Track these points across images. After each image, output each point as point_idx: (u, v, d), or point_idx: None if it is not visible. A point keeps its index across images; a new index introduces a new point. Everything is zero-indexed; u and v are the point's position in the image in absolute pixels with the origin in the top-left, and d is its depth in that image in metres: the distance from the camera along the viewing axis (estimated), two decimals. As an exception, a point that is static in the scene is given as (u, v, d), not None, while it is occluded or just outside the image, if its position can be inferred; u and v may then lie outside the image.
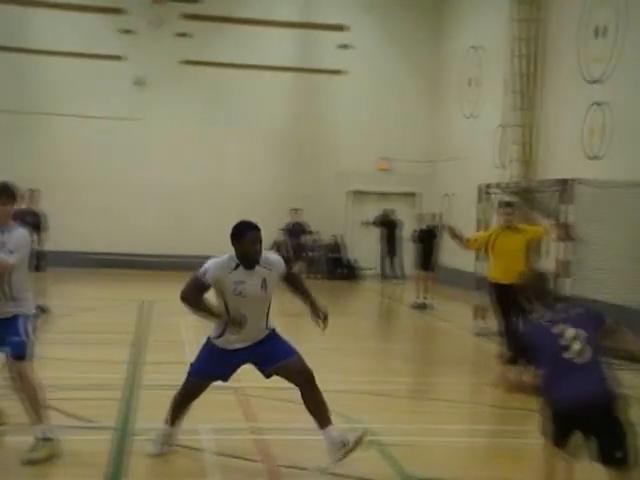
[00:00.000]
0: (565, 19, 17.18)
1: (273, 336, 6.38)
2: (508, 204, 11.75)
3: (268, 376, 6.42)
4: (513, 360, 5.43)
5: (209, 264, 6.17)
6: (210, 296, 6.33)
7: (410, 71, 24.67)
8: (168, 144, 23.51)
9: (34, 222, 13.39)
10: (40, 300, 12.57)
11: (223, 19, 23.62)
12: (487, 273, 11.71)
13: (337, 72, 24.18)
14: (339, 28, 24.16)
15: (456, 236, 11.62)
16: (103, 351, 11.00)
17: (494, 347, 11.13)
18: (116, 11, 23.04)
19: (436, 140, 24.37)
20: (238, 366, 6.41)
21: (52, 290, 15.01)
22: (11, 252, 6.18)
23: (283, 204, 22.80)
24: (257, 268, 6.19)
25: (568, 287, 12.03)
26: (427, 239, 17.65)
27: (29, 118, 22.84)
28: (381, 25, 24.49)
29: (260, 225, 6.27)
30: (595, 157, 15.59)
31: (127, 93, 23.37)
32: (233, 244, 6.18)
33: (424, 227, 17.95)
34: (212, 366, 6.38)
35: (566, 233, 12.14)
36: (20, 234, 6.34)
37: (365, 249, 24.14)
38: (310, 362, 6.40)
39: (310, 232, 23.00)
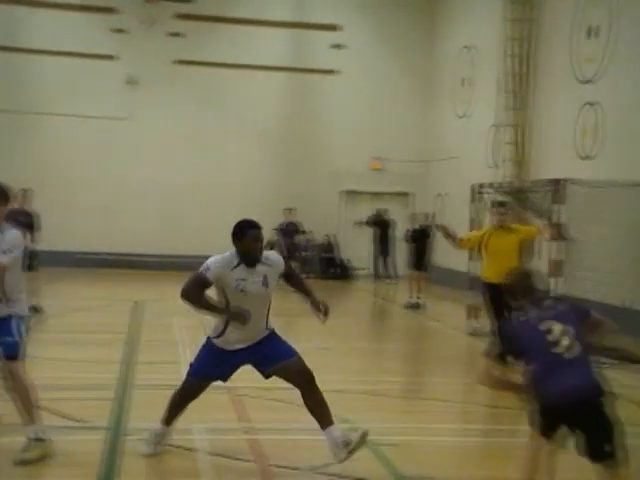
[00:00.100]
0: (558, 19, 17.21)
1: (273, 336, 6.38)
2: (501, 204, 11.77)
3: (267, 376, 6.42)
4: (502, 358, 5.46)
5: (210, 261, 6.18)
6: (210, 295, 6.33)
7: (403, 71, 24.68)
8: (161, 144, 23.49)
9: (27, 222, 13.38)
10: (33, 300, 12.56)
11: (216, 19, 23.61)
12: (480, 273, 11.73)
13: (330, 72, 24.19)
14: (332, 28, 24.16)
15: (449, 236, 11.65)
16: (96, 351, 10.98)
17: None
18: (108, 10, 23.01)
19: (429, 140, 24.39)
20: (238, 366, 6.41)
21: (45, 290, 14.99)
22: (4, 253, 6.16)
23: (276, 204, 22.77)
24: (258, 266, 6.21)
25: (561, 287, 12.05)
26: (420, 239, 17.66)
27: (22, 117, 22.78)
28: (374, 25, 24.51)
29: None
30: (587, 157, 15.62)
31: (120, 93, 23.33)
32: (234, 242, 6.20)
33: (417, 227, 17.96)
34: (212, 366, 6.37)
35: (558, 233, 12.16)
36: (13, 235, 6.33)
37: (358, 249, 24.15)
38: (303, 362, 6.40)
39: (304, 232, 23.00)
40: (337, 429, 6.18)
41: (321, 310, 6.51)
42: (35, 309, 13.08)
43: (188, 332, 12.54)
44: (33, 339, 9.78)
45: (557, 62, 17.04)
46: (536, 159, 17.82)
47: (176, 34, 23.34)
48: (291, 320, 12.79)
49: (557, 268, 12.27)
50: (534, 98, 18.01)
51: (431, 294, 18.16)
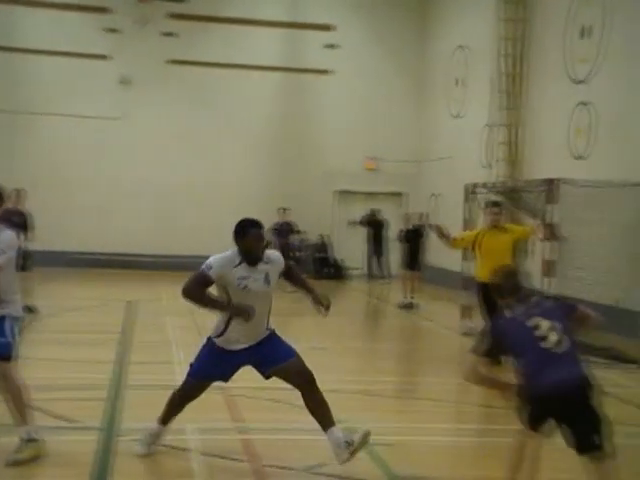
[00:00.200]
0: (551, 19, 17.23)
1: (273, 337, 6.38)
2: (495, 204, 11.78)
3: (267, 377, 6.41)
4: (495, 358, 5.51)
5: (213, 260, 6.18)
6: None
7: (397, 71, 24.69)
8: (155, 144, 23.47)
9: (21, 222, 13.37)
10: (27, 300, 12.55)
11: (209, 18, 23.59)
12: (474, 273, 11.73)
13: (324, 72, 24.19)
14: (326, 28, 24.16)
15: (443, 235, 11.67)
16: (89, 351, 10.96)
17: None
18: (102, 10, 22.98)
19: (423, 140, 24.40)
20: (239, 367, 6.40)
21: (39, 290, 14.97)
22: (-2, 253, 6.15)
23: (270, 204, 22.75)
24: (259, 264, 6.22)
25: (554, 286, 12.06)
26: (414, 239, 17.67)
27: (14, 117, 22.75)
28: (368, 25, 24.52)
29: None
30: (581, 157, 15.64)
31: (113, 93, 23.29)
32: (236, 241, 6.21)
33: (411, 227, 17.97)
34: (212, 366, 6.35)
35: (551, 233, 12.17)
36: (7, 235, 6.30)
37: (352, 249, 24.16)
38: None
39: (298, 232, 23.00)
40: (338, 430, 6.17)
41: (323, 305, 6.53)
42: (30, 309, 13.08)
43: (181, 332, 12.54)
44: (26, 339, 9.77)
45: (550, 62, 17.06)
46: (529, 159, 17.84)
47: (169, 34, 23.31)
48: (285, 320, 12.75)
49: (550, 268, 12.28)
50: (527, 98, 18.03)
51: (425, 294, 18.17)
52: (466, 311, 13.89)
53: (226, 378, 6.49)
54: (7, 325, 6.26)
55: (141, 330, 12.94)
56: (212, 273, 6.11)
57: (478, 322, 12.42)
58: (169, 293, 17.93)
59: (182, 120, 23.51)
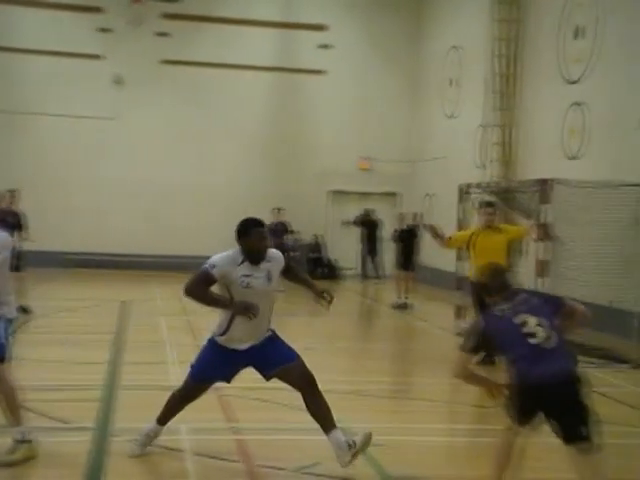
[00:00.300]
0: (545, 19, 17.25)
1: (275, 339, 6.39)
2: (489, 204, 11.79)
3: (269, 379, 6.41)
4: (488, 358, 5.55)
5: (215, 258, 6.18)
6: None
7: (391, 71, 24.71)
8: (148, 144, 23.44)
9: (15, 222, 13.36)
10: (21, 300, 12.54)
11: (203, 18, 23.58)
12: (468, 273, 11.73)
13: (318, 72, 24.19)
14: (319, 28, 24.16)
15: (437, 235, 11.68)
16: (83, 351, 10.94)
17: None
18: (95, 10, 22.96)
19: (417, 140, 24.42)
20: (241, 368, 6.38)
21: (34, 290, 14.95)
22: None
23: (264, 204, 22.66)
24: (261, 263, 6.23)
25: (547, 286, 12.07)
26: (408, 239, 17.68)
27: (7, 117, 22.70)
28: (362, 25, 24.53)
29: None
30: (574, 157, 15.66)
31: (106, 93, 23.26)
32: (239, 241, 6.21)
33: (405, 227, 17.98)
34: (214, 367, 6.33)
35: (546, 233, 12.19)
36: (2, 236, 6.29)
37: (346, 249, 24.18)
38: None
39: (292, 232, 22.98)
40: (340, 433, 6.15)
41: (325, 298, 6.56)
42: (24, 310, 13.06)
43: (175, 333, 12.53)
44: (20, 340, 9.75)
45: (544, 62, 17.08)
46: (523, 159, 17.86)
47: (163, 34, 23.30)
48: (278, 320, 12.71)
49: (544, 268, 12.30)
50: (521, 98, 18.05)
51: (419, 294, 18.17)
52: (460, 311, 13.90)
53: (228, 378, 6.46)
54: (1, 326, 6.24)
55: (135, 330, 12.92)
56: (215, 272, 6.11)
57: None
58: (163, 293, 17.96)
59: (176, 120, 23.50)
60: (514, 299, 5.48)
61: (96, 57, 23.07)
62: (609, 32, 14.89)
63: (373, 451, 6.64)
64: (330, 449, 6.16)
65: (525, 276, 12.91)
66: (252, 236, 6.17)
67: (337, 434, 6.13)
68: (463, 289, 13.35)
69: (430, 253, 19.28)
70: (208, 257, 6.26)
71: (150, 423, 6.53)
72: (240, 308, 6.05)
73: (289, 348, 6.38)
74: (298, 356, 6.33)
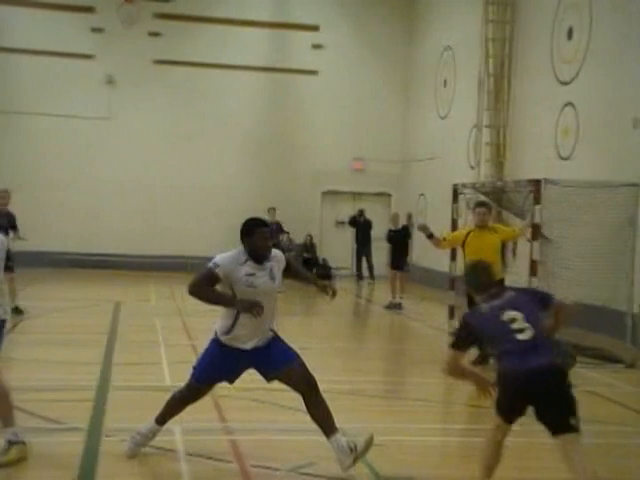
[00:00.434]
0: (538, 20, 17.26)
1: (277, 340, 6.37)
2: (482, 204, 11.79)
3: (270, 381, 6.40)
4: (484, 358, 5.56)
5: (219, 258, 6.18)
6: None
7: (384, 71, 24.73)
8: (141, 144, 23.43)
9: (7, 223, 13.32)
10: (14, 301, 12.51)
11: (196, 18, 23.57)
12: (462, 272, 11.72)
13: (311, 72, 24.19)
14: (313, 28, 24.17)
15: (431, 236, 11.69)
16: (77, 352, 10.92)
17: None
18: (88, 10, 22.94)
19: (410, 140, 24.44)
20: (244, 368, 6.35)
21: (26, 291, 14.91)
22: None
23: (257, 204, 22.70)
24: (264, 262, 6.25)
25: (540, 286, 12.08)
26: (401, 239, 17.69)
27: (1, 117, 22.68)
28: (355, 25, 24.55)
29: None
30: (567, 157, 15.68)
31: (99, 92, 23.24)
32: (243, 241, 6.23)
33: (398, 227, 17.98)
34: (218, 368, 6.31)
35: (538, 233, 12.20)
36: (-3, 239, 6.28)
37: (339, 249, 24.19)
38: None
39: (287, 232, 23.00)
40: (342, 436, 6.14)
41: (328, 292, 6.66)
42: (17, 310, 13.04)
43: (170, 333, 12.52)
44: (13, 340, 9.73)
45: (537, 63, 17.10)
46: (516, 159, 17.88)
47: (156, 34, 23.30)
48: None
49: (536, 268, 12.30)
50: (514, 99, 18.07)
51: (412, 294, 18.18)
52: (454, 311, 13.91)
53: (231, 379, 6.44)
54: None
55: (129, 331, 12.89)
56: (219, 271, 6.11)
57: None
58: (157, 294, 17.94)
59: (169, 120, 23.50)
60: (502, 296, 5.51)
61: (89, 57, 23.06)
62: (601, 33, 14.91)
63: (368, 451, 6.65)
64: (324, 449, 6.16)
65: (518, 276, 12.92)
66: (256, 236, 6.19)
67: (338, 437, 6.12)
68: (456, 289, 13.36)
69: (423, 253, 19.31)
70: (203, 257, 6.28)
71: (148, 423, 6.51)
72: (245, 306, 6.04)
73: (291, 350, 6.37)
74: (299, 357, 6.33)
